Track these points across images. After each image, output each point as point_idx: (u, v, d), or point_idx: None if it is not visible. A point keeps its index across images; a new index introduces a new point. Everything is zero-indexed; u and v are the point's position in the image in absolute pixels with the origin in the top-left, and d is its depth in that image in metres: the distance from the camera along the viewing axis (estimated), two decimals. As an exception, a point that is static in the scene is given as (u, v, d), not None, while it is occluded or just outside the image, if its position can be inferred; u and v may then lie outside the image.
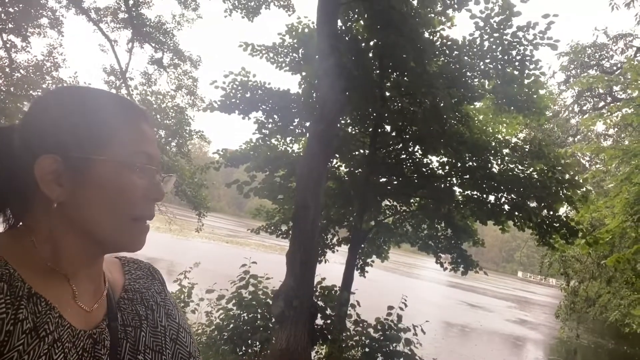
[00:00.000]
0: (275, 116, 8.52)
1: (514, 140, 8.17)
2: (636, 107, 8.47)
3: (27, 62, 13.72)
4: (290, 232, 7.96)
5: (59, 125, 0.68)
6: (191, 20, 16.31)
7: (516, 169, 7.65)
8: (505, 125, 8.31)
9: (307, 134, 8.55)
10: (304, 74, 8.61)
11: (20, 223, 0.72)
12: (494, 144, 7.78)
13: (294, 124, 8.74)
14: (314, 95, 7.90)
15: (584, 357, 17.36)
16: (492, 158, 7.81)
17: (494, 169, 7.85)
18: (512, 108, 7.57)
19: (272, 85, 8.50)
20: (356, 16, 7.26)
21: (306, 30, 8.51)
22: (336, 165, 8.89)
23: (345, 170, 8.90)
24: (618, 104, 13.54)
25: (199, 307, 7.10)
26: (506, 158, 7.90)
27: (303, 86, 8.60)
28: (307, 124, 8.59)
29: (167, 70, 15.39)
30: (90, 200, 0.67)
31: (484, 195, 7.99)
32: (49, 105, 0.71)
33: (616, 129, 14.38)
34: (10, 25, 13.21)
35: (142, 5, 14.68)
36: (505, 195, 7.69)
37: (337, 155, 8.45)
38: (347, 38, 7.12)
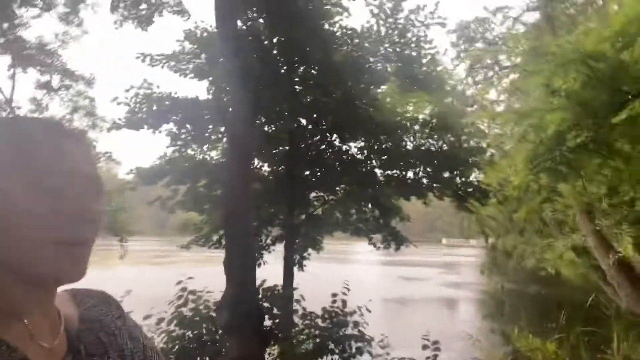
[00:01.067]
0: (188, 125, 8.27)
1: (421, 117, 8.67)
2: (522, 72, 9.33)
3: None
4: (223, 241, 7.80)
5: None
6: (76, 37, 15.19)
7: (428, 144, 8.13)
8: (412, 104, 8.76)
9: (224, 140, 8.40)
10: (210, 78, 8.43)
11: None
12: (404, 122, 8.19)
13: (209, 130, 8.55)
14: (224, 99, 7.77)
15: (511, 305, 18.98)
16: (405, 136, 8.22)
17: (408, 147, 8.27)
18: (415, 87, 8.02)
19: (180, 94, 8.22)
20: (256, 15, 7.24)
21: (205, 34, 8.32)
22: (259, 166, 8.84)
23: (268, 169, 8.88)
24: (505, 71, 14.82)
25: (139, 335, 6.74)
26: (417, 134, 8.36)
27: (212, 91, 8.42)
28: (222, 129, 8.44)
29: (58, 93, 14.25)
30: None
31: (403, 173, 8.40)
32: None
33: (507, 95, 15.77)
34: None
35: (18, 27, 13.40)
36: (421, 169, 8.15)
37: (258, 155, 8.40)
38: (249, 38, 7.07)
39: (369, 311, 6.57)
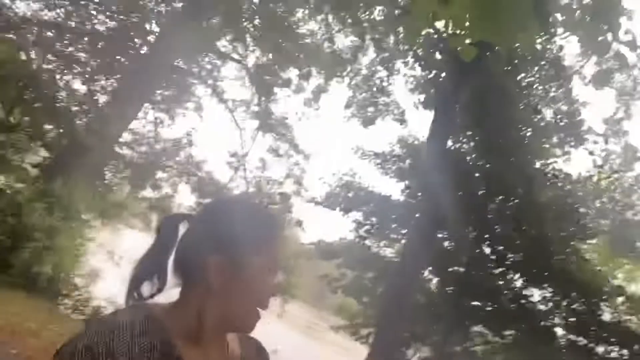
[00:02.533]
0: (374, 219, 8.75)
1: (632, 288, 7.36)
2: None
3: (168, 137, 15.84)
4: (370, 340, 7.74)
5: (226, 233, 0.92)
6: (309, 117, 17.84)
7: (632, 322, 6.81)
8: (622, 271, 7.56)
9: (402, 241, 8.59)
10: (407, 182, 8.89)
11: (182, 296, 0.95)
12: (606, 289, 7.08)
13: (392, 228, 8.86)
14: (414, 204, 8.04)
15: None
16: (603, 304, 7.08)
17: (604, 317, 7.08)
18: (629, 254, 6.95)
19: (375, 189, 8.86)
20: (465, 139, 7.50)
21: (416, 142, 8.93)
22: (427, 278, 8.67)
23: (436, 285, 8.63)
24: None
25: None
26: (621, 307, 7.10)
27: (405, 193, 8.84)
28: (404, 230, 8.67)
29: (281, 159, 16.61)
30: (236, 291, 0.90)
31: (591, 344, 7.14)
32: (219, 214, 0.98)
33: None
34: (162, 106, 15.61)
35: (272, 101, 16.50)
36: (616, 349, 6.80)
37: (430, 268, 8.28)
38: (455, 159, 7.32)
39: None
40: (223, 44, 14.04)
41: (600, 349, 7.04)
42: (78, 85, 12.56)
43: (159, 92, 14.77)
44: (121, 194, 15.45)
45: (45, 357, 5.01)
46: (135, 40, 13.36)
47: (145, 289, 0.95)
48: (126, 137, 14.31)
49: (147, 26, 13.09)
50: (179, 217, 0.99)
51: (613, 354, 6.85)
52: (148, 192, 14.93)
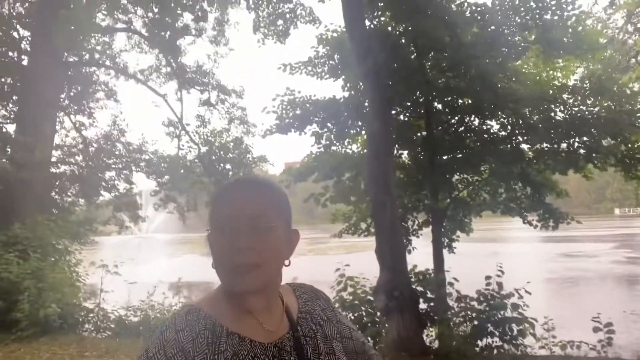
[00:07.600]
0: (329, 124, 8.85)
1: (571, 82, 7.92)
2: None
3: (97, 135, 15.10)
4: (372, 229, 8.24)
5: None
6: (225, 54, 17.16)
7: (582, 112, 7.43)
8: (559, 70, 8.06)
9: (363, 133, 8.81)
10: (344, 77, 8.90)
11: None
12: (551, 92, 7.60)
13: (348, 125, 9.02)
14: (360, 95, 8.15)
15: None
16: (553, 106, 7.64)
17: (558, 117, 7.67)
18: (561, 52, 7.38)
19: (319, 96, 8.85)
20: (380, 12, 7.43)
21: (335, 35, 8.80)
22: (399, 154, 9.05)
23: (408, 157, 9.04)
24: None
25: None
26: (569, 102, 7.69)
27: (347, 88, 8.89)
28: (360, 123, 8.85)
29: (216, 107, 16.17)
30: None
31: (555, 146, 7.81)
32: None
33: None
34: (74, 107, 14.67)
35: (178, 55, 15.63)
36: (577, 140, 7.49)
37: (397, 146, 8.61)
38: (378, 36, 7.31)
39: (529, 293, 6.38)
40: (101, 18, 12.92)
41: (563, 146, 7.72)
42: (-21, 125, 11.61)
43: (62, 96, 13.82)
44: (81, 209, 14.99)
45: (98, 379, 5.22)
46: (10, 54, 12.21)
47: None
48: (56, 154, 13.61)
49: (15, 34, 11.86)
50: None
51: (576, 145, 7.54)
52: (106, 195, 14.53)
